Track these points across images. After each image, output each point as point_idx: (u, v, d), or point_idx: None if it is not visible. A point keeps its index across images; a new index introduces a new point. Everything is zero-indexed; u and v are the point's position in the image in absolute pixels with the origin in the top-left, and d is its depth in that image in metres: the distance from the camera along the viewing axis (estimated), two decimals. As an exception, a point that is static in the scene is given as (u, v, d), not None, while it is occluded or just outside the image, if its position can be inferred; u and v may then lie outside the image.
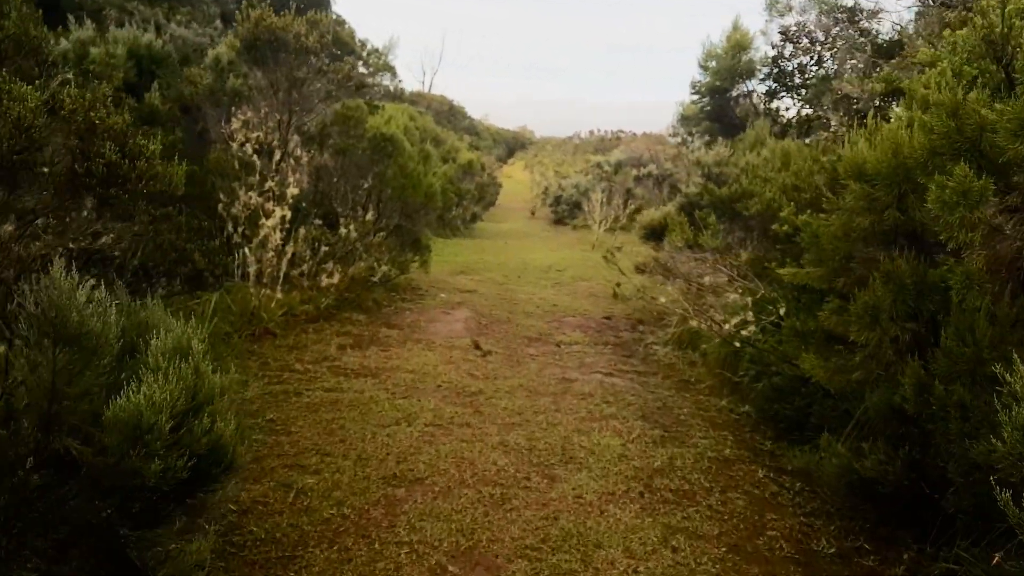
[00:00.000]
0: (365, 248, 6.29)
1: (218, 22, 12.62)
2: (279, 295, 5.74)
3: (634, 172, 18.02)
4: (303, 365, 5.25)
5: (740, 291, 3.61)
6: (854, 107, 6.74)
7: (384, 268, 6.56)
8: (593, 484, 3.52)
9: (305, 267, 6.28)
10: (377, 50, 32.02)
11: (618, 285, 8.42)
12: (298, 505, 3.25)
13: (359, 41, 31.75)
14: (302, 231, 6.28)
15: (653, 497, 3.42)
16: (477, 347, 6.13)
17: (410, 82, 61.23)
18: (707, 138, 16.71)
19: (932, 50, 3.33)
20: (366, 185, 6.51)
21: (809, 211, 4.06)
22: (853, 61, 8.49)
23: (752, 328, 3.57)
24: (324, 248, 6.13)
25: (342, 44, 28.28)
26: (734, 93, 11.18)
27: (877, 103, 6.46)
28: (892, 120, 3.07)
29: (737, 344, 3.70)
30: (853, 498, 3.14)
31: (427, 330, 6.68)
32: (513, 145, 62.09)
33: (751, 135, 6.94)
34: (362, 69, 31.17)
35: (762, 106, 11.47)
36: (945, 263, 2.64)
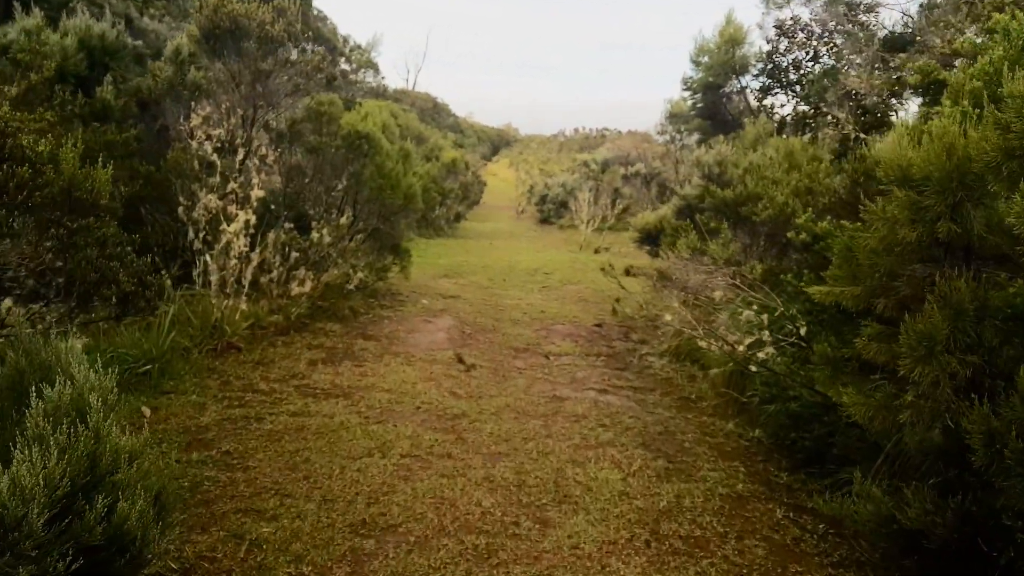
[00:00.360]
0: (340, 253, 5.82)
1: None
2: (244, 306, 5.26)
3: (621, 171, 17.62)
4: (268, 384, 4.78)
5: (755, 307, 3.20)
6: (861, 103, 6.38)
7: (360, 275, 6.08)
8: (592, 530, 3.09)
9: (275, 274, 5.80)
10: (360, 46, 31.44)
11: (617, 301, 7.93)
12: (250, 561, 2.79)
13: (341, 37, 31.19)
14: (271, 236, 5.80)
15: (661, 547, 2.99)
16: (460, 360, 5.68)
17: (396, 80, 60.52)
18: (698, 136, 16.36)
19: (974, 38, 2.93)
20: (341, 186, 6.02)
21: (829, 218, 3.65)
22: (854, 56, 8.13)
23: (769, 350, 3.17)
24: (295, 254, 5.65)
25: (324, 40, 27.77)
26: (727, 89, 10.82)
27: (884, 98, 6.08)
28: (936, 116, 2.66)
29: (753, 368, 3.30)
30: (892, 549, 2.73)
31: (407, 341, 6.21)
32: (498, 143, 61.72)
33: (751, 132, 6.55)
34: (345, 66, 30.58)
35: (755, 103, 11.12)
36: (1011, 285, 2.25)
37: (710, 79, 10.26)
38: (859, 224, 2.93)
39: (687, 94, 11.46)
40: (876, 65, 6.80)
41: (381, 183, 6.36)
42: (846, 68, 8.66)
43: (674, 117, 18.48)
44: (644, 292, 8.50)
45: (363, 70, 30.07)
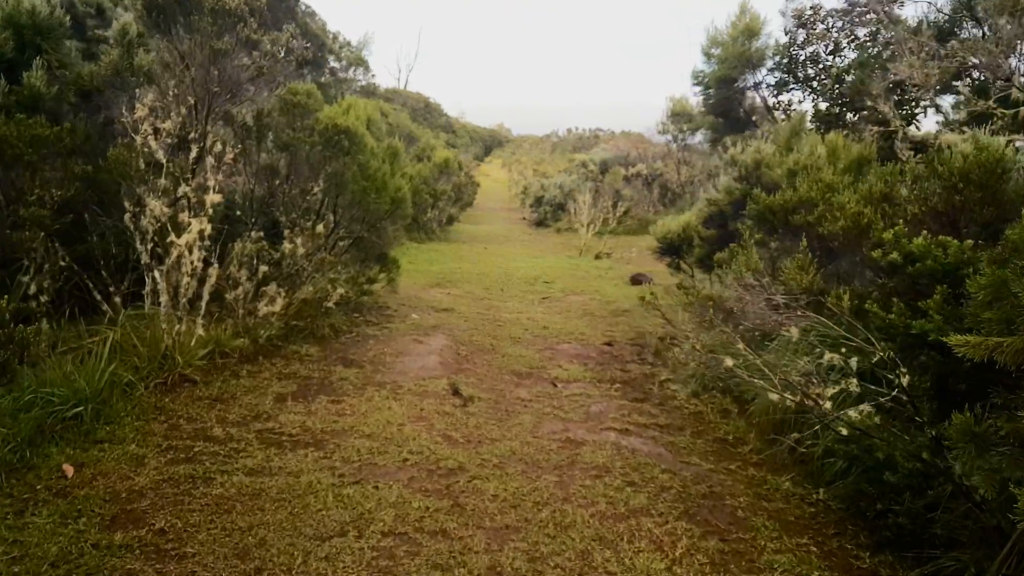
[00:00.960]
0: (316, 266, 5.02)
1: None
2: (201, 330, 4.45)
3: (622, 172, 16.86)
4: (225, 429, 3.97)
5: (843, 349, 2.47)
6: (908, 96, 5.64)
7: (341, 290, 5.28)
8: (636, 655, 2.31)
9: (241, 291, 4.99)
10: (350, 43, 30.63)
11: (663, 340, 6.83)
12: None
13: (331, 33, 30.34)
14: (237, 246, 4.99)
15: None
16: (456, 392, 4.89)
17: (387, 79, 59.84)
18: (708, 134, 15.61)
19: None
20: (318, 189, 5.21)
21: (925, 232, 2.88)
22: (893, 46, 7.40)
23: (865, 407, 2.41)
24: (264, 268, 4.84)
25: (311, 36, 26.85)
26: (741, 84, 10.10)
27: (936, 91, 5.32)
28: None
29: (843, 431, 2.54)
30: None
31: (393, 367, 5.41)
32: (490, 143, 61.25)
33: (786, 128, 5.82)
34: (334, 63, 29.67)
35: (771, 99, 10.41)
36: None
37: (724, 73, 9.53)
38: (997, 247, 2.16)
39: (697, 89, 10.77)
40: (922, 54, 6.08)
41: (365, 185, 5.56)
42: (883, 58, 7.92)
43: (677, 116, 17.75)
44: (661, 307, 7.73)
45: (353, 68, 29.24)
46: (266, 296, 5.04)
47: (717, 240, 5.10)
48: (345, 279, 5.39)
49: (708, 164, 18.97)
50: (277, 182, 5.13)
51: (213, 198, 4.15)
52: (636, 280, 10.24)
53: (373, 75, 28.52)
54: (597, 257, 13.25)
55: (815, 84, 10.51)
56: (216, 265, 4.42)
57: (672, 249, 5.71)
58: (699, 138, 18.00)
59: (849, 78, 7.74)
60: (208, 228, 4.17)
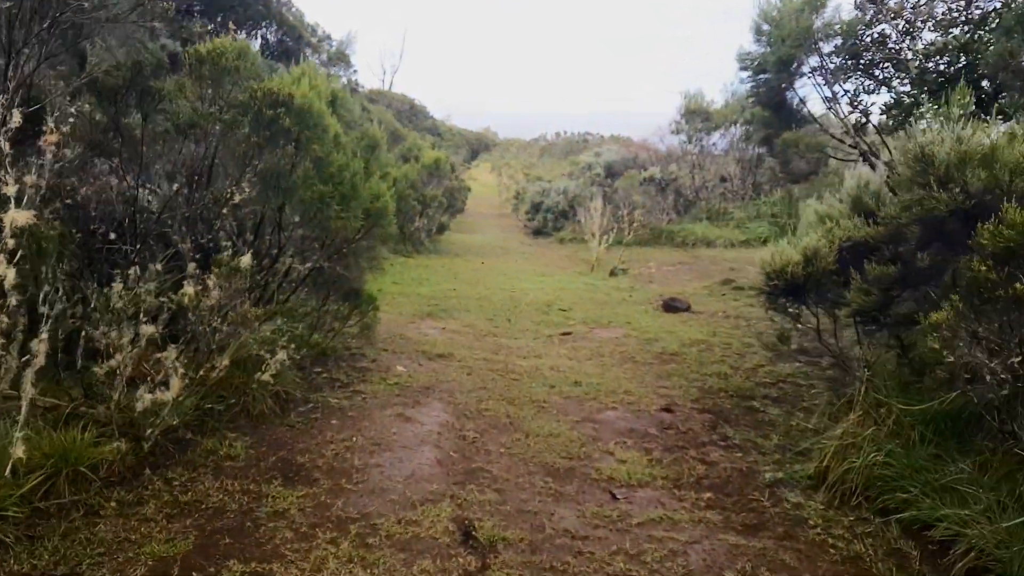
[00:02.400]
0: (238, 322, 3.11)
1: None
2: (19, 448, 2.51)
3: (638, 176, 15.04)
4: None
5: None
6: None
7: (281, 355, 3.35)
8: None
9: (118, 362, 3.05)
10: (330, 37, 28.61)
11: (745, 403, 5.15)
12: None
13: (309, 26, 28.37)
14: (114, 291, 3.05)
15: None
16: (467, 536, 2.97)
17: (372, 81, 58.10)
18: (743, 129, 13.86)
19: None
20: (240, 196, 3.29)
21: None
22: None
23: None
24: (150, 329, 2.92)
25: (287, 26, 24.80)
26: (797, 69, 8.34)
27: None
28: None
29: None
30: None
31: (365, 479, 3.47)
32: (477, 146, 59.83)
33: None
34: (313, 58, 27.76)
35: (825, 89, 8.63)
36: None
37: (785, 53, 7.78)
38: None
39: (745, 75, 9.01)
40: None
41: (323, 191, 3.65)
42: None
43: (692, 114, 15.97)
44: (709, 342, 5.91)
45: (333, 63, 27.26)
46: (153, 372, 3.10)
47: (897, 281, 3.24)
48: (290, 337, 3.47)
49: (722, 165, 17.24)
50: (175, 187, 3.22)
51: (16, 216, 2.23)
52: (670, 307, 8.38)
53: (355, 71, 26.58)
54: (612, 274, 11.39)
55: (876, 72, 8.72)
56: (45, 335, 2.49)
57: (794, 289, 3.81)
58: (716, 139, 16.24)
59: (991, 48, 5.96)
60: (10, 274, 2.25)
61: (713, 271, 11.46)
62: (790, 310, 4.26)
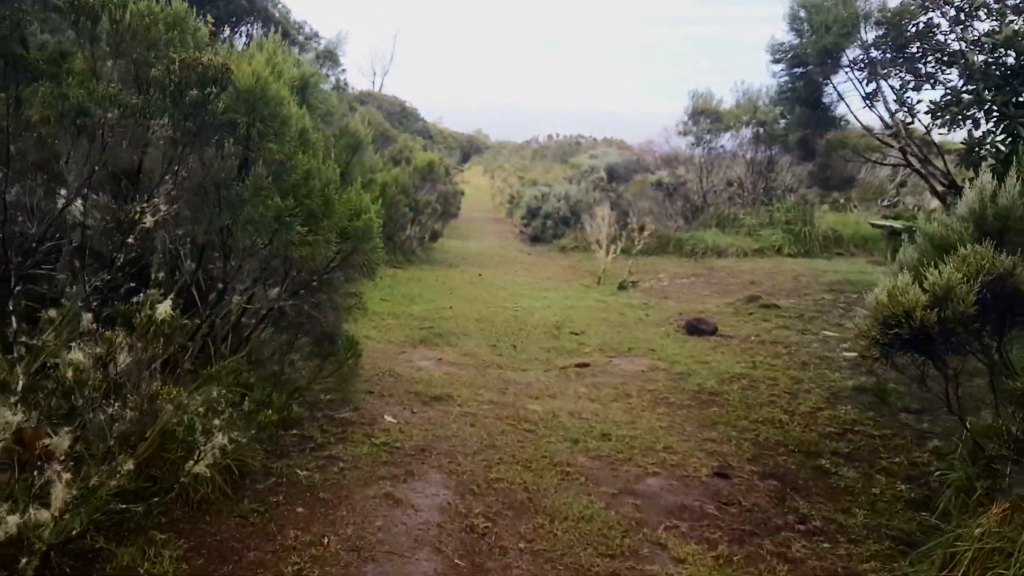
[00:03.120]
0: (151, 399, 2.13)
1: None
2: None
3: (650, 179, 14.11)
4: None
5: None
6: None
7: (220, 439, 2.35)
8: None
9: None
10: (317, 34, 27.57)
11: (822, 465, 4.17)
12: None
13: (295, 22, 27.26)
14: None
15: None
16: None
17: (362, 83, 57.30)
18: (771, 127, 12.97)
19: None
20: (154, 217, 2.28)
21: None
22: None
23: None
24: (16, 416, 1.93)
25: (272, 21, 23.73)
26: (842, 61, 7.41)
27: None
28: None
29: None
30: None
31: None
32: (468, 149, 59.18)
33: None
34: (299, 56, 26.68)
35: (865, 85, 7.69)
36: None
37: (830, 42, 6.84)
38: None
39: (778, 68, 8.06)
40: None
41: (282, 207, 2.67)
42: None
43: (700, 114, 15.05)
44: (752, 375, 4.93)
45: (321, 62, 26.20)
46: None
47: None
48: (232, 415, 2.46)
49: (731, 168, 16.35)
50: (64, 201, 2.22)
51: None
52: (695, 329, 7.43)
53: (343, 70, 25.53)
54: (622, 287, 10.43)
55: (921, 68, 7.81)
56: None
57: (918, 340, 2.82)
58: (726, 140, 15.34)
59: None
60: None
61: (732, 285, 10.52)
62: (895, 361, 3.27)
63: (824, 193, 15.13)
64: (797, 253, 14.01)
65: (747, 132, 14.87)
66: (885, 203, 15.42)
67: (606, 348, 6.66)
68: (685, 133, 15.07)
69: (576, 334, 7.15)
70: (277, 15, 24.22)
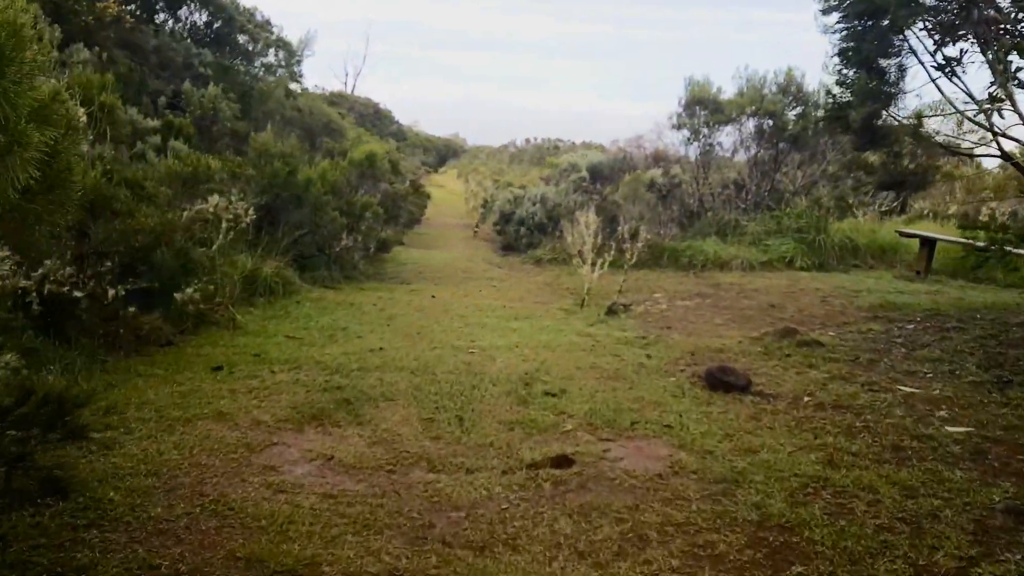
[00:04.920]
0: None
1: None
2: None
3: (646, 177, 11.96)
4: None
5: None
6: None
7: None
8: None
9: None
10: (269, 22, 25.14)
11: None
12: None
13: (244, 9, 24.72)
14: None
15: None
16: None
17: (333, 83, 55.43)
18: (761, 123, 10.99)
19: None
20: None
21: None
22: None
23: None
24: None
25: (215, 8, 21.20)
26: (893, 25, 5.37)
27: None
28: None
29: None
30: None
31: None
32: (445, 153, 57.46)
33: None
34: (250, 46, 24.16)
35: (931, 56, 5.64)
36: None
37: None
38: None
39: (831, 19, 5.96)
40: None
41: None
42: None
43: (696, 104, 12.97)
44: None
45: (272, 50, 23.74)
46: None
47: None
48: None
49: (731, 168, 14.31)
50: None
51: None
52: (719, 382, 5.25)
53: (298, 60, 23.11)
54: (611, 312, 8.24)
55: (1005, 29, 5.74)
56: None
57: None
58: (726, 134, 13.28)
59: None
60: None
61: (748, 309, 8.39)
62: None
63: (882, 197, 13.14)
64: (811, 266, 11.99)
65: (751, 125, 12.83)
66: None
67: (598, 422, 4.44)
68: (679, 127, 12.98)
69: (553, 395, 4.92)
70: (224, 0, 21.82)
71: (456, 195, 29.68)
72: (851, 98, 6.40)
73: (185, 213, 6.22)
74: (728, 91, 13.35)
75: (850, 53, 6.18)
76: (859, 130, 6.56)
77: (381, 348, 6.01)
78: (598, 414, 4.56)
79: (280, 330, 6.52)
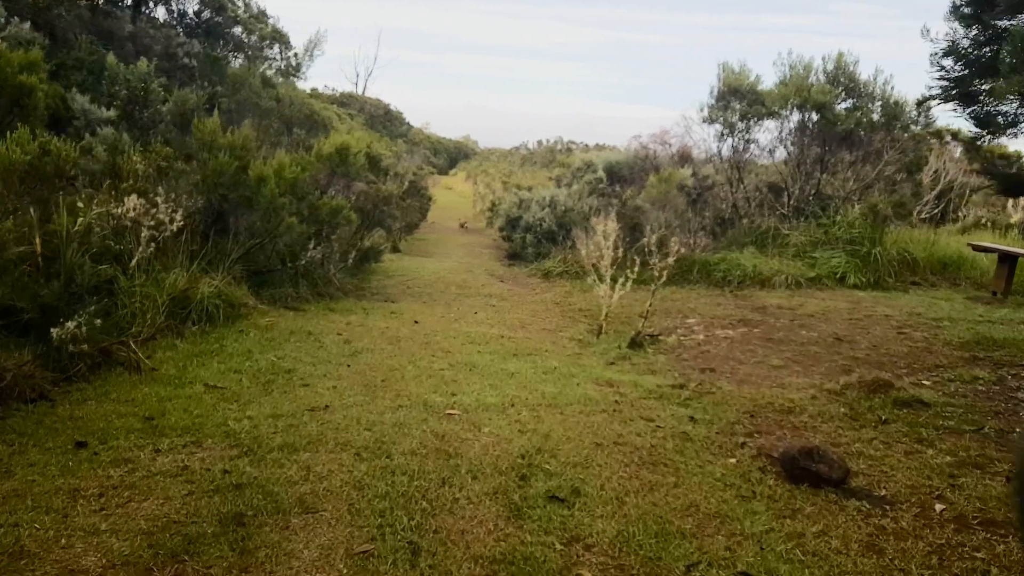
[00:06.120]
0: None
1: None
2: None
3: (679, 176, 10.31)
4: None
5: None
6: None
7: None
8: None
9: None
10: (265, 12, 23.82)
11: None
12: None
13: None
14: None
15: None
16: None
17: (344, 84, 54.26)
18: (805, 116, 9.39)
19: None
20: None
21: None
22: None
23: None
24: None
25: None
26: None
27: None
28: None
29: None
30: None
31: None
32: (455, 155, 56.45)
33: None
34: (244, 36, 22.62)
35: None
36: None
37: None
38: None
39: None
40: None
41: None
42: None
43: (733, 95, 11.29)
44: None
45: (268, 43, 22.26)
46: None
47: None
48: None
49: (767, 168, 12.60)
50: None
51: None
52: (800, 469, 3.59)
53: (295, 53, 21.61)
54: (635, 345, 6.60)
55: None
56: None
57: None
58: (764, 130, 11.58)
59: None
60: None
61: (810, 344, 6.71)
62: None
63: None
64: (865, 283, 10.29)
65: (794, 119, 11.14)
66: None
67: (631, 561, 2.80)
68: (711, 120, 11.29)
69: (561, 500, 3.27)
70: (209, -16, 20.42)
71: (464, 197, 28.12)
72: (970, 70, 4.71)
73: (77, 220, 4.64)
74: (767, 81, 11.67)
75: (975, 45, 4.44)
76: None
77: (326, 407, 4.39)
78: (632, 543, 2.91)
79: (201, 375, 4.91)
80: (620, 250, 7.60)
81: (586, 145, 45.49)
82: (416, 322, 7.20)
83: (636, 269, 7.21)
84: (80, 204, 5.44)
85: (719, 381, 5.52)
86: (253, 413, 4.19)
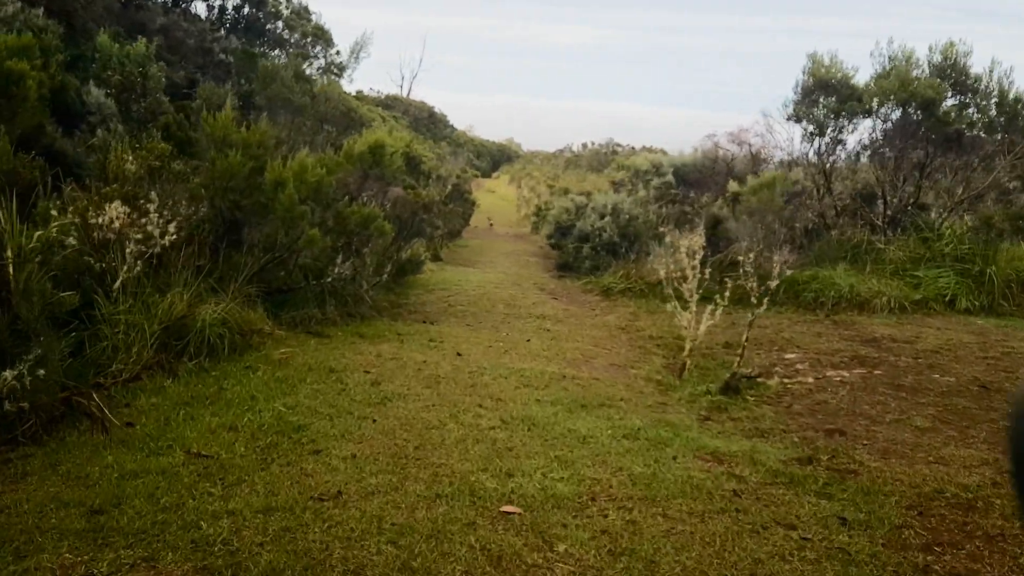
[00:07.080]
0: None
1: None
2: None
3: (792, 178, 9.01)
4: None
5: None
6: None
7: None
8: None
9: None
10: (307, 8, 23.16)
11: None
12: None
13: (281, -4, 22.82)
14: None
15: None
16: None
17: (389, 87, 54.41)
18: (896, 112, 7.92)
19: None
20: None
21: None
22: None
23: None
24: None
25: (245, -7, 19.03)
26: None
27: None
28: None
29: None
30: None
31: None
32: (499, 158, 55.77)
33: None
34: (287, 35, 21.92)
35: None
36: None
37: None
38: None
39: None
40: None
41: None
42: None
43: (822, 90, 9.86)
44: None
45: (309, 40, 21.48)
46: None
47: None
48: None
49: (857, 174, 11.10)
50: None
51: None
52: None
53: (337, 52, 20.73)
54: (731, 390, 5.31)
55: None
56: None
57: None
58: (856, 131, 10.10)
59: None
60: None
61: (951, 393, 5.30)
62: None
63: None
64: (978, 308, 8.78)
65: (894, 118, 9.65)
66: None
67: None
68: (797, 118, 9.87)
69: None
70: (249, -20, 19.81)
71: (507, 201, 27.04)
72: None
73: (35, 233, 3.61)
74: (864, 73, 10.21)
75: None
76: None
77: (338, 493, 3.23)
78: None
79: (186, 435, 3.81)
80: (705, 269, 6.32)
81: (632, 148, 43.99)
82: (459, 355, 6.02)
83: (724, 294, 5.91)
84: (54, 212, 4.44)
85: (856, 451, 4.20)
86: (239, 505, 3.05)
